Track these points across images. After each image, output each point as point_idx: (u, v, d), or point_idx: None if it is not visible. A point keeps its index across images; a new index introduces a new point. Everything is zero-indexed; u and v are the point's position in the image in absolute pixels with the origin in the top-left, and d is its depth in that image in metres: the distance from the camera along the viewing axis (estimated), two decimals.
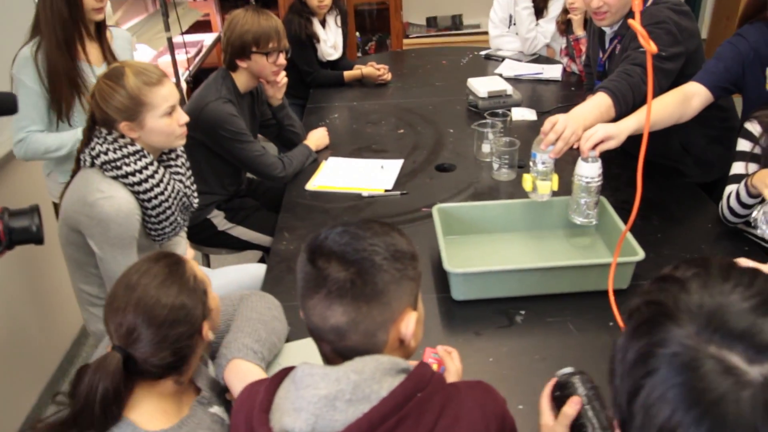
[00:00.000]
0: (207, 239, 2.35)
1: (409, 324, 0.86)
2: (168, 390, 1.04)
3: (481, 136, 2.24)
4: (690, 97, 1.73)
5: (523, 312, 1.49)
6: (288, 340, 1.37)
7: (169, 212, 1.62)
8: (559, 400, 1.01)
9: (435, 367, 1.20)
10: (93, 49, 2.09)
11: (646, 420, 0.56)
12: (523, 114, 2.58)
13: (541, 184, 1.69)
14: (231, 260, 2.89)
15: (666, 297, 0.59)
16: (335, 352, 0.85)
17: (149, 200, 1.56)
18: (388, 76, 3.15)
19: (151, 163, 1.56)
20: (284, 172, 2.21)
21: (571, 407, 0.96)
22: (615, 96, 1.73)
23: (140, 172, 1.53)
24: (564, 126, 1.61)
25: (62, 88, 1.99)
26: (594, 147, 1.57)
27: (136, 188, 1.53)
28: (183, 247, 1.82)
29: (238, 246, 2.39)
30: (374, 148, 2.42)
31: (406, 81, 3.19)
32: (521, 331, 1.44)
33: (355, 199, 2.06)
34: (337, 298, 0.82)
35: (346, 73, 3.16)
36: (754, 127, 1.68)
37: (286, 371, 0.87)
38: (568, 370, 1.06)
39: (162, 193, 1.58)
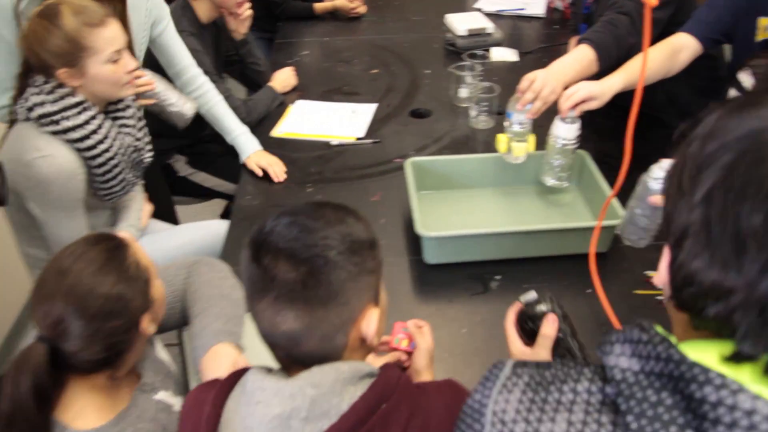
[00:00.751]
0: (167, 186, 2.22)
1: (370, 322, 0.77)
2: (102, 383, 0.94)
3: (458, 80, 2.11)
4: (678, 50, 1.62)
5: (498, 277, 1.42)
6: None
7: (116, 170, 1.47)
8: (530, 333, 0.95)
9: (405, 342, 1.13)
10: None
11: (727, 200, 0.51)
12: (503, 54, 2.43)
13: (516, 146, 1.57)
14: (195, 210, 2.75)
15: None
16: (290, 359, 0.77)
17: (93, 158, 1.41)
18: (363, 9, 2.94)
19: (95, 117, 1.40)
20: (248, 119, 2.06)
21: (550, 327, 0.92)
22: (599, 49, 1.61)
23: (82, 126, 1.37)
24: (542, 84, 1.50)
25: None
26: (574, 106, 1.47)
27: (78, 145, 1.38)
28: (139, 202, 1.68)
29: (200, 193, 2.26)
30: (346, 90, 2.27)
31: (381, 14, 2.99)
32: (496, 298, 1.37)
33: (323, 147, 1.93)
34: (288, 302, 0.72)
35: (317, 5, 2.94)
36: (747, 78, 1.58)
37: (236, 376, 0.78)
38: (532, 295, 0.98)
39: (107, 150, 1.43)
